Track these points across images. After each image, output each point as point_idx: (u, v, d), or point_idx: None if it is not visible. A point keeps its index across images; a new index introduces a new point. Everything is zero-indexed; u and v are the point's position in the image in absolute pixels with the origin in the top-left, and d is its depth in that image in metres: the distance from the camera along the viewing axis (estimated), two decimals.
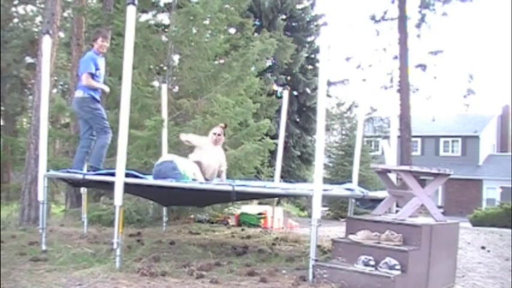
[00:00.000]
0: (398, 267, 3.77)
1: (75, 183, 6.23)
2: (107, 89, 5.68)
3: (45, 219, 5.29)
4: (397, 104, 16.50)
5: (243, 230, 8.29)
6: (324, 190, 4.61)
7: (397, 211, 4.97)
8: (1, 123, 18.91)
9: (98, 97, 5.59)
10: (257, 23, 17.90)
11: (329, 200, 15.86)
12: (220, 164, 5.84)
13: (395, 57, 17.68)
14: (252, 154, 8.36)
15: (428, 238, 4.11)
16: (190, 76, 9.11)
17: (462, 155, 32.26)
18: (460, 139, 32.57)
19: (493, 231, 10.23)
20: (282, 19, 19.18)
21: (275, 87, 18.75)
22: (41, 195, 5.33)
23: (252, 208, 9.80)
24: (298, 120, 20.24)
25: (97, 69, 5.49)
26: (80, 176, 5.29)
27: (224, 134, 6.00)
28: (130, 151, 7.19)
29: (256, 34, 13.94)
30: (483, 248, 7.14)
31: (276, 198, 8.53)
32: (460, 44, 55.74)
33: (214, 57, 9.74)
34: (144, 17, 10.54)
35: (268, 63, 16.31)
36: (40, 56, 7.98)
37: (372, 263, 3.85)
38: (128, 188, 4.71)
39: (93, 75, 5.47)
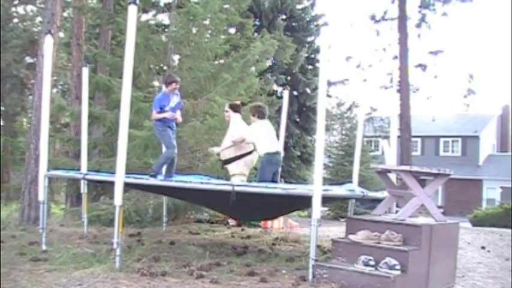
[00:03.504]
0: (398, 267, 3.77)
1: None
2: (178, 117, 5.99)
3: (45, 219, 5.30)
4: (397, 104, 16.49)
5: (243, 230, 8.29)
6: (324, 190, 4.61)
7: (397, 211, 4.97)
8: (1, 123, 18.92)
9: (166, 122, 5.83)
10: (257, 23, 17.87)
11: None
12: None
13: (395, 57, 17.65)
14: None
15: (428, 238, 4.11)
16: (190, 76, 9.10)
17: (462, 155, 32.23)
18: (460, 139, 32.54)
19: (493, 231, 10.22)
20: (282, 19, 19.16)
21: (275, 87, 18.73)
22: (41, 195, 5.33)
23: None
24: (298, 120, 20.22)
25: (168, 104, 5.81)
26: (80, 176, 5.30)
27: (227, 111, 6.66)
28: (130, 150, 7.17)
29: (256, 34, 13.94)
30: (483, 248, 7.14)
31: None
32: (460, 44, 55.81)
33: (214, 58, 9.73)
34: (144, 17, 10.54)
35: (268, 63, 16.30)
36: (40, 56, 8.00)
37: (372, 263, 3.85)
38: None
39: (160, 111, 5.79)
